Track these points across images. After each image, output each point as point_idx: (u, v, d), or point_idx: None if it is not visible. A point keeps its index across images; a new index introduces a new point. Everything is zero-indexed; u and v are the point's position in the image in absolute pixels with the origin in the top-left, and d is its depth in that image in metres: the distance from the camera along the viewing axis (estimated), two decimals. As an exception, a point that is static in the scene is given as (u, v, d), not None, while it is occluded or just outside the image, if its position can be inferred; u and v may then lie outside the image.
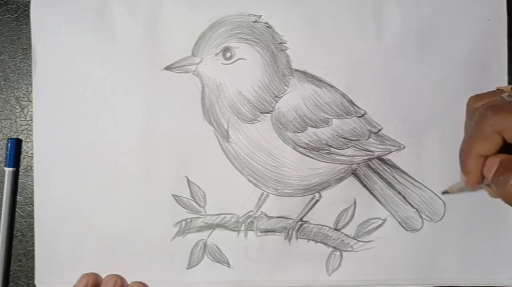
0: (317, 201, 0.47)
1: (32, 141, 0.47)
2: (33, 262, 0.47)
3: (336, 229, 0.47)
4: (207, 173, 0.47)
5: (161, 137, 0.47)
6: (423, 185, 0.47)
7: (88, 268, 0.46)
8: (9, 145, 0.48)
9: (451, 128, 0.47)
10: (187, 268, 0.47)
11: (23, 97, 0.49)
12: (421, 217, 0.47)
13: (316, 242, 0.47)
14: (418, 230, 0.47)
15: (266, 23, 0.47)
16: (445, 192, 0.45)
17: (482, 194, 0.47)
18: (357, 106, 0.47)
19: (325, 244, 0.47)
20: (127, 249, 0.47)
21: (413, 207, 0.47)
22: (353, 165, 0.47)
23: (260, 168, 0.46)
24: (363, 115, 0.47)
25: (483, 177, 0.38)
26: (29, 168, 0.48)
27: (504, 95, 0.38)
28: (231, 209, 0.47)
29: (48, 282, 0.47)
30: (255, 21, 0.47)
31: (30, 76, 0.48)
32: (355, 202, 0.47)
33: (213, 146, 0.47)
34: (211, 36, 0.47)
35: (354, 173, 0.47)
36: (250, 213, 0.47)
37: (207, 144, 0.47)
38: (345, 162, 0.47)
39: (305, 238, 0.47)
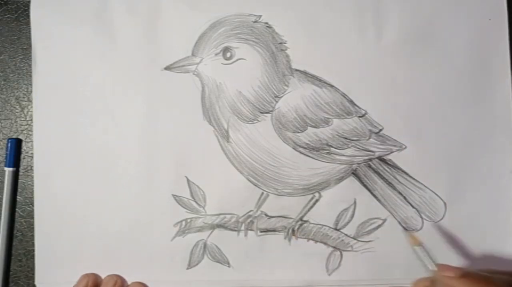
0: (317, 200, 0.47)
1: (32, 141, 0.48)
2: (33, 262, 0.47)
3: (336, 229, 0.47)
4: (207, 173, 0.47)
5: (161, 137, 0.47)
6: (423, 185, 0.47)
7: (88, 268, 0.46)
8: (9, 145, 0.48)
9: (452, 128, 0.47)
10: (187, 268, 0.47)
11: (23, 97, 0.49)
12: (421, 217, 0.47)
13: (316, 241, 0.47)
14: (418, 230, 0.47)
15: (266, 23, 0.47)
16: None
17: (484, 195, 0.47)
18: (358, 106, 0.47)
19: (325, 243, 0.47)
20: (127, 249, 0.47)
21: (413, 207, 0.47)
22: (353, 165, 0.47)
23: (260, 168, 0.46)
24: (363, 115, 0.47)
25: None
26: (29, 168, 0.48)
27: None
28: (231, 209, 0.47)
29: (48, 282, 0.47)
30: (255, 21, 0.47)
31: (30, 76, 0.48)
32: (355, 202, 0.47)
33: (213, 146, 0.47)
34: (211, 36, 0.47)
35: (355, 173, 0.47)
36: (250, 213, 0.47)
37: (207, 144, 0.47)
38: (345, 162, 0.47)
39: (305, 238, 0.47)
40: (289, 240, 0.47)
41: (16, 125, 0.49)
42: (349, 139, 0.47)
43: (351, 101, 0.47)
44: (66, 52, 0.47)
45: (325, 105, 0.47)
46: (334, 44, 0.47)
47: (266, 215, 0.47)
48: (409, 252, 0.46)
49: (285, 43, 0.47)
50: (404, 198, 0.47)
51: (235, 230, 0.47)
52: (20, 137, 0.49)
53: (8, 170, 0.48)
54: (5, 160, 0.48)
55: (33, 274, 0.47)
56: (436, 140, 0.47)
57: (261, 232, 0.47)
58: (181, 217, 0.47)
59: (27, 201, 0.48)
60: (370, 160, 0.47)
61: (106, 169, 0.47)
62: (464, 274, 0.37)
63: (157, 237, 0.47)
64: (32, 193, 0.47)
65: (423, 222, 0.47)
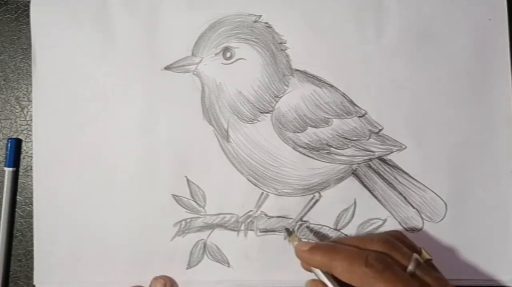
0: (317, 200, 0.47)
1: (32, 141, 0.47)
2: (32, 262, 0.47)
3: (336, 229, 0.47)
4: (207, 173, 0.47)
5: (161, 137, 0.47)
6: (424, 185, 0.47)
7: (88, 268, 0.46)
8: (9, 145, 0.48)
9: (452, 128, 0.47)
10: (187, 268, 0.47)
11: (23, 97, 0.49)
12: (421, 218, 0.47)
13: (316, 242, 0.47)
14: (418, 231, 0.47)
15: (266, 23, 0.47)
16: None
17: (484, 196, 0.47)
18: (358, 106, 0.47)
19: (325, 244, 0.47)
20: (127, 249, 0.47)
21: (413, 207, 0.47)
22: (353, 165, 0.47)
23: (260, 168, 0.46)
24: (363, 115, 0.47)
25: None
26: (29, 168, 0.48)
27: None
28: (231, 209, 0.47)
29: (47, 282, 0.46)
30: (255, 21, 0.47)
31: (30, 76, 0.48)
32: (355, 202, 0.47)
33: (213, 146, 0.47)
34: (211, 36, 0.47)
35: (355, 173, 0.47)
36: (250, 213, 0.47)
37: (207, 144, 0.47)
38: (345, 162, 0.47)
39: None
40: (289, 241, 0.47)
41: (16, 125, 0.49)
42: (349, 139, 0.47)
43: (351, 101, 0.47)
44: (66, 52, 0.47)
45: (325, 105, 0.47)
46: (334, 44, 0.47)
47: (266, 215, 0.47)
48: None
49: (285, 43, 0.47)
50: (405, 198, 0.47)
51: (235, 230, 0.47)
52: (20, 137, 0.49)
53: (8, 170, 0.48)
54: (5, 160, 0.48)
55: (33, 274, 0.47)
56: (436, 140, 0.47)
57: (260, 232, 0.47)
58: (180, 217, 0.47)
59: (27, 201, 0.48)
60: (370, 160, 0.47)
61: (105, 169, 0.47)
62: (313, 246, 0.40)
63: (156, 237, 0.46)
64: (32, 193, 0.47)
65: (423, 222, 0.47)
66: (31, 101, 0.48)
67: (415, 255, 0.38)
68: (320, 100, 0.47)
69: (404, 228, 0.47)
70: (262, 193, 0.47)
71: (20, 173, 0.48)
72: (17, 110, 0.49)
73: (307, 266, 0.41)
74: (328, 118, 0.46)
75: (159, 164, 0.47)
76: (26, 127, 0.49)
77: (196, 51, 0.47)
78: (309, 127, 0.46)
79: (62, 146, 0.47)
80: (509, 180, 0.47)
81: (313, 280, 0.40)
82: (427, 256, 0.40)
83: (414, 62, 0.47)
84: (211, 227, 0.47)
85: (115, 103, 0.47)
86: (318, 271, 0.40)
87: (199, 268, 0.46)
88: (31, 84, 0.48)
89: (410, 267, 0.37)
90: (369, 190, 0.47)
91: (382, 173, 0.47)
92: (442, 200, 0.47)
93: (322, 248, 0.40)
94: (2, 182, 0.48)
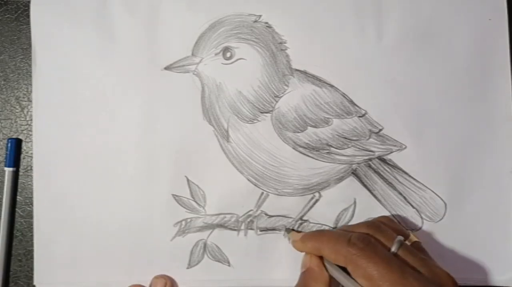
0: (317, 200, 0.47)
1: (32, 141, 0.47)
2: (32, 262, 0.47)
3: (336, 228, 0.47)
4: (207, 173, 0.47)
5: (161, 137, 0.47)
6: (424, 185, 0.47)
7: (88, 268, 0.46)
8: (9, 145, 0.48)
9: (452, 128, 0.47)
10: (187, 268, 0.47)
11: (23, 97, 0.49)
12: (421, 217, 0.47)
13: (316, 241, 0.47)
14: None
15: (266, 23, 0.47)
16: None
17: (484, 196, 0.47)
18: (358, 106, 0.47)
19: (325, 243, 0.47)
20: (127, 249, 0.47)
21: (413, 207, 0.47)
22: (353, 165, 0.47)
23: (260, 168, 0.46)
24: (363, 115, 0.47)
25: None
26: (29, 168, 0.48)
27: None
28: (231, 209, 0.47)
29: (47, 282, 0.46)
30: (255, 21, 0.47)
31: (30, 76, 0.48)
32: (355, 202, 0.47)
33: (213, 146, 0.47)
34: (211, 36, 0.47)
35: (355, 173, 0.47)
36: (250, 212, 0.47)
37: (207, 144, 0.47)
38: (345, 162, 0.47)
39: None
40: (289, 238, 0.47)
41: (16, 125, 0.49)
42: (349, 139, 0.47)
43: (351, 101, 0.47)
44: (66, 52, 0.47)
45: (325, 105, 0.47)
46: (334, 44, 0.47)
47: (266, 214, 0.47)
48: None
49: (285, 43, 0.47)
50: (404, 198, 0.47)
51: (235, 230, 0.47)
52: (20, 137, 0.49)
53: (8, 170, 0.48)
54: (5, 160, 0.48)
55: (33, 274, 0.47)
56: (436, 140, 0.47)
57: (261, 231, 0.47)
58: (181, 217, 0.47)
59: (27, 201, 0.48)
60: (370, 159, 0.47)
61: (105, 169, 0.47)
62: (304, 234, 0.43)
63: (157, 237, 0.46)
64: (32, 193, 0.47)
65: (423, 222, 0.47)
66: (31, 101, 0.48)
67: (399, 237, 0.39)
68: (320, 100, 0.47)
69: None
70: (262, 193, 0.47)
71: (20, 173, 0.48)
72: (17, 110, 0.49)
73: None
74: (328, 118, 0.46)
75: (159, 164, 0.47)
76: (26, 127, 0.49)
77: (196, 51, 0.47)
78: (309, 127, 0.46)
79: (62, 146, 0.47)
80: (509, 180, 0.47)
81: (307, 254, 0.42)
82: (415, 239, 0.41)
83: (414, 62, 0.47)
84: (211, 227, 0.47)
85: (115, 103, 0.47)
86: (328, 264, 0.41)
87: (200, 267, 0.46)
88: (31, 84, 0.48)
89: (393, 249, 0.38)
90: (369, 190, 0.47)
91: (382, 173, 0.47)
92: (442, 199, 0.47)
93: (312, 234, 0.42)
94: (2, 182, 0.48)
